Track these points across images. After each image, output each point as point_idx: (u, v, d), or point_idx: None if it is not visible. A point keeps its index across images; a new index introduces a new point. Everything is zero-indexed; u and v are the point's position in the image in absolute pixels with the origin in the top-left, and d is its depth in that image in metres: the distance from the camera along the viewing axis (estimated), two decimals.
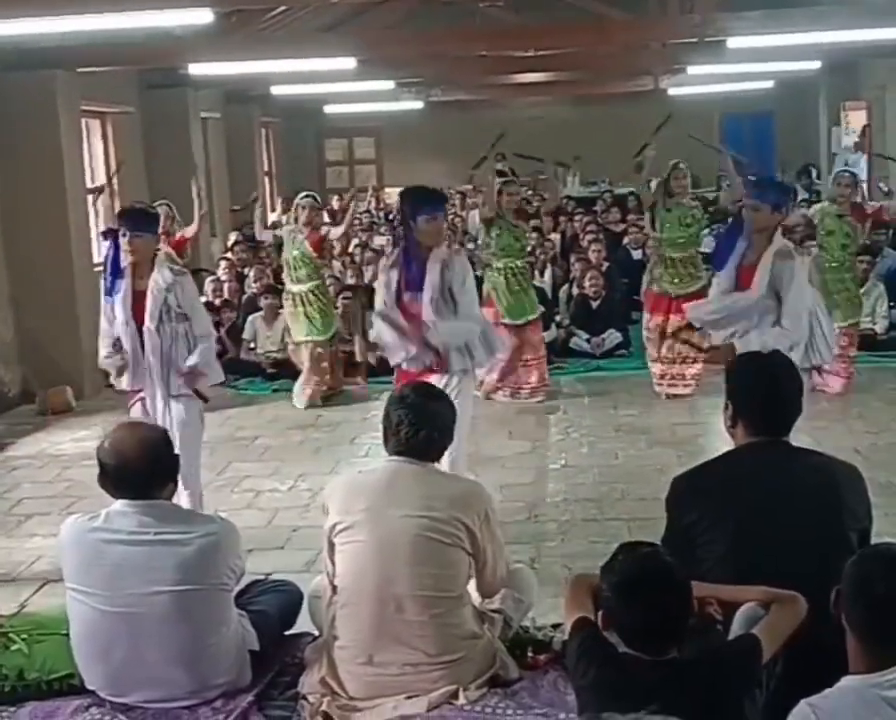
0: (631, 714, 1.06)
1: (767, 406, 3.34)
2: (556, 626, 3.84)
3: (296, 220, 8.47)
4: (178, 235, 9.03)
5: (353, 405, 8.42)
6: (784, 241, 5.53)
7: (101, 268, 5.49)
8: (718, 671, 2.72)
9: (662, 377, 8.19)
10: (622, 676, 2.70)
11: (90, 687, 3.55)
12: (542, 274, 10.95)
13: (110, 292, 5.26)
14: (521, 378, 8.21)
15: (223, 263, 11.14)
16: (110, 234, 5.33)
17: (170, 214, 8.65)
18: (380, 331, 5.39)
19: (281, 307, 9.17)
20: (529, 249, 9.09)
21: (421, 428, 3.51)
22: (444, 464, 4.93)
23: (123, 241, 5.16)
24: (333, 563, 3.55)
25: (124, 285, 5.21)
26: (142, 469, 3.43)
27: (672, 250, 7.98)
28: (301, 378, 8.50)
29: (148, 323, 5.15)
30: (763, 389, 3.36)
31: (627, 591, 2.72)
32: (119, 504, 3.48)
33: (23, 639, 3.70)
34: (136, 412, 5.29)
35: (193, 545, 3.41)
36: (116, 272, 5.23)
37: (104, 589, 3.40)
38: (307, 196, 8.53)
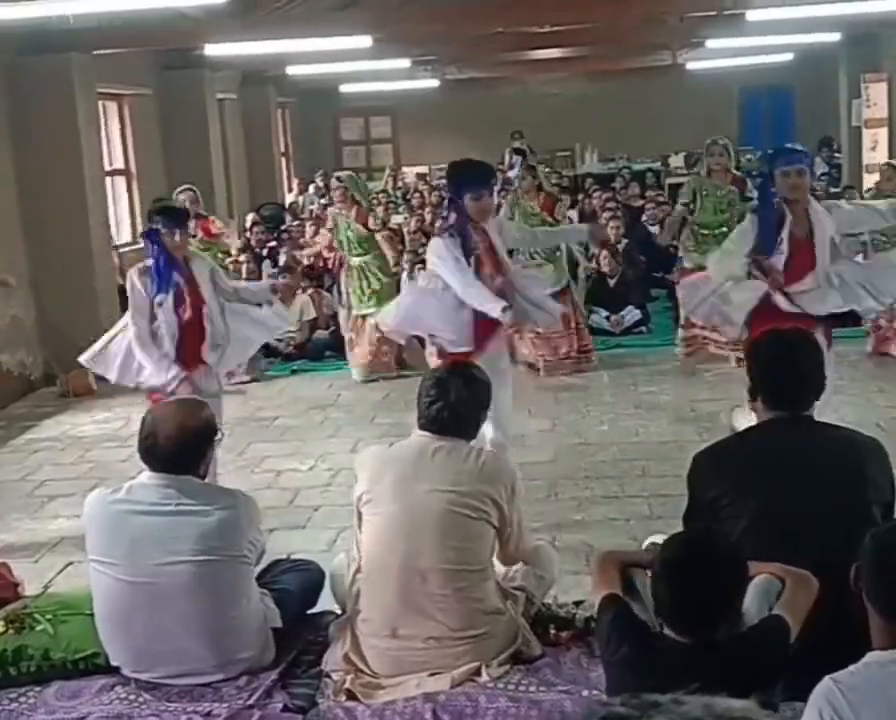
0: (670, 694, 1.05)
1: (784, 382, 3.32)
2: (578, 603, 3.84)
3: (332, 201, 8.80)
4: (210, 221, 9.05)
5: (374, 385, 8.43)
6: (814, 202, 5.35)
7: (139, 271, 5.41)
8: (750, 654, 2.68)
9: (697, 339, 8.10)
10: (652, 655, 2.68)
11: (114, 663, 3.57)
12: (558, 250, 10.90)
13: (165, 288, 5.23)
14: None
15: (238, 245, 11.13)
16: (151, 234, 5.32)
17: (195, 198, 8.66)
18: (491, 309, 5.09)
19: (299, 286, 9.23)
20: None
21: (453, 408, 3.53)
22: (487, 442, 4.99)
23: (172, 236, 5.24)
24: (361, 532, 3.59)
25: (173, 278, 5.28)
26: (169, 452, 3.47)
27: (706, 230, 7.94)
28: (359, 351, 8.56)
29: (211, 304, 5.32)
30: (780, 365, 3.34)
31: (668, 573, 2.69)
32: (143, 476, 3.53)
33: (48, 619, 3.72)
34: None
35: (213, 516, 3.44)
36: (169, 267, 5.25)
37: (125, 560, 3.43)
38: (337, 177, 8.79)
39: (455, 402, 3.53)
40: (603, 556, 3.23)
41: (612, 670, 2.82)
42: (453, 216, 5.19)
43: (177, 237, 5.27)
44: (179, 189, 8.72)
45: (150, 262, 5.29)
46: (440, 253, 5.13)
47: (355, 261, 8.47)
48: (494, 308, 5.02)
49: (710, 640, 2.67)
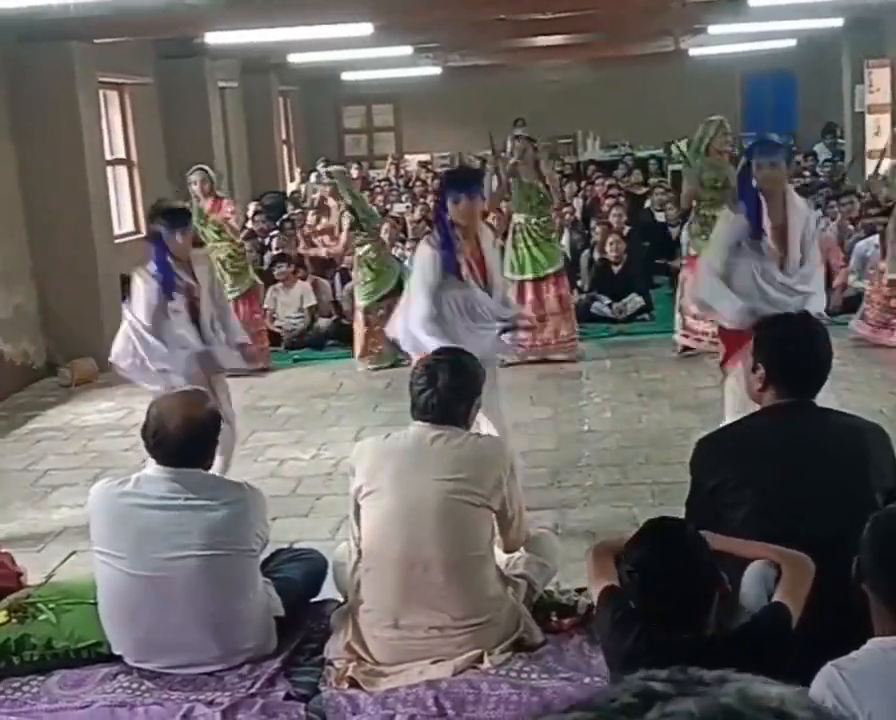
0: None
1: (803, 369, 3.31)
2: (580, 590, 3.84)
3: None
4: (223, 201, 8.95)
5: (376, 373, 8.43)
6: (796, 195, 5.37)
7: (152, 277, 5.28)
8: (755, 645, 2.66)
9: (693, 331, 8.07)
10: (658, 652, 2.63)
11: (117, 652, 3.58)
12: (560, 238, 10.90)
13: (169, 291, 5.10)
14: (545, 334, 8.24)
15: (242, 234, 11.11)
16: (153, 236, 5.21)
17: (207, 177, 8.61)
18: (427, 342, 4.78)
19: (296, 273, 9.31)
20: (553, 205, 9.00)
21: (442, 395, 3.53)
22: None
23: (178, 237, 5.12)
24: (359, 525, 3.58)
25: (178, 281, 5.16)
26: (177, 444, 3.48)
27: (707, 209, 7.74)
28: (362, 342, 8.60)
29: (207, 310, 5.19)
30: (800, 352, 3.32)
31: (642, 579, 2.69)
32: (150, 469, 3.54)
33: (51, 608, 3.73)
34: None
35: (221, 511, 3.45)
36: (167, 272, 5.11)
37: (131, 553, 3.44)
38: (328, 173, 8.99)
39: (443, 389, 3.53)
40: (595, 548, 3.20)
41: (617, 665, 2.76)
42: (440, 221, 5.04)
43: (178, 238, 5.11)
44: (191, 169, 8.65)
45: (153, 268, 5.10)
46: (417, 262, 5.03)
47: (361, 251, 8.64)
48: (430, 346, 4.90)
49: (711, 636, 2.65)
